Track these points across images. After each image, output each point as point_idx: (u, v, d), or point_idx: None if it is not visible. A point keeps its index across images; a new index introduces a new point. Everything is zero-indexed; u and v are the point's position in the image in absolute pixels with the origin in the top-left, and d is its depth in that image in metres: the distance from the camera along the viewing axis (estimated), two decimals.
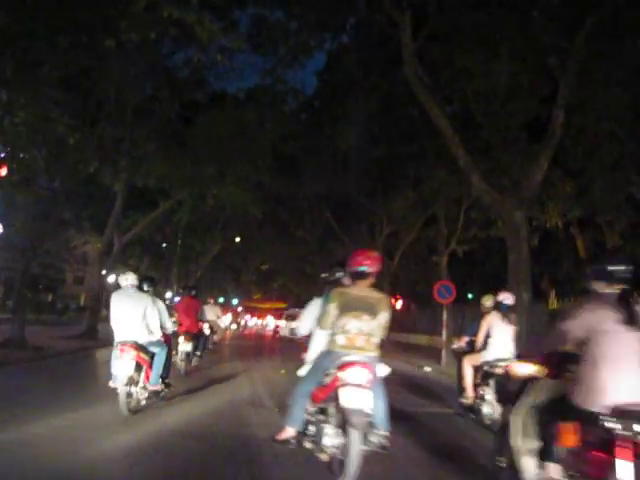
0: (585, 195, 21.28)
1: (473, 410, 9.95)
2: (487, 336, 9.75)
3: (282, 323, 46.96)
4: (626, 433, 4.05)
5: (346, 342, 6.17)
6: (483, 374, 9.76)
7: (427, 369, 21.63)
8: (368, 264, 6.41)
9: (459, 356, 10.59)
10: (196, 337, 14.37)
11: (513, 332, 9.67)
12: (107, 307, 10.22)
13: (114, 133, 22.66)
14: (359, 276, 6.41)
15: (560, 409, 4.69)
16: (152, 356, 9.27)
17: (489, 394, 9.54)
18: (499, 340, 9.59)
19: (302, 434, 6.41)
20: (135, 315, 9.10)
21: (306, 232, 39.76)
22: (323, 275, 7.69)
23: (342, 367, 6.06)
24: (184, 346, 13.77)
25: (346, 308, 6.18)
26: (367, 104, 23.33)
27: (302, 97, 28.88)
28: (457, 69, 18.90)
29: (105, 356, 13.82)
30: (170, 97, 21.81)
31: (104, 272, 26.11)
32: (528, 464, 4.89)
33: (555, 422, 4.70)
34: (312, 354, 6.82)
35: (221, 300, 68.25)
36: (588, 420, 4.31)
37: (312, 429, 6.41)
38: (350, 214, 35.75)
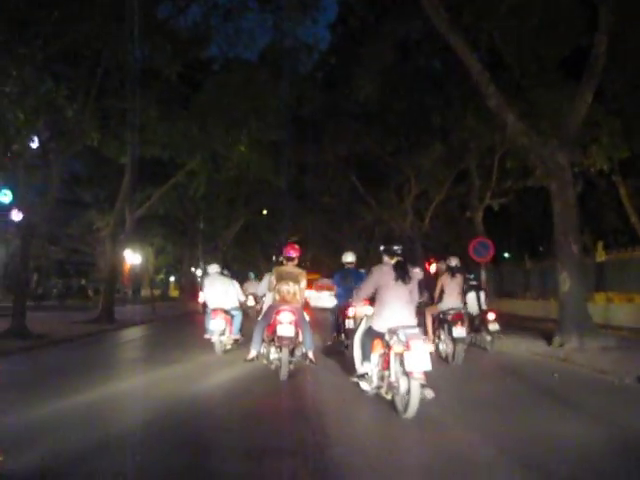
0: (633, 135, 19.08)
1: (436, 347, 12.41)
2: (441, 291, 12.54)
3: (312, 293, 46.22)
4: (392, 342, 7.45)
5: (279, 298, 10.31)
6: (439, 320, 12.67)
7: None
8: (293, 252, 10.59)
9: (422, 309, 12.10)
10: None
11: (460, 287, 12.68)
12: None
13: (115, 103, 21.10)
14: (288, 259, 10.57)
15: (369, 332, 8.08)
16: (232, 317, 13.81)
17: (443, 335, 12.44)
18: (450, 294, 12.44)
19: (260, 354, 10.37)
20: (222, 291, 13.77)
21: (332, 198, 37.79)
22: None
23: (277, 312, 10.11)
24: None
25: (280, 278, 10.31)
26: (384, 53, 21.20)
27: (316, 53, 26.84)
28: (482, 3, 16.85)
29: (119, 338, 18.81)
30: (172, 57, 19.92)
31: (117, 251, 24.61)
32: (358, 364, 8.34)
33: (369, 340, 8.05)
34: (265, 307, 11.46)
35: (252, 275, 67.13)
36: (381, 337, 7.81)
37: (264, 350, 10.40)
38: (376, 176, 33.79)
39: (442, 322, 12.42)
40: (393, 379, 7.40)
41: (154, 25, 19.74)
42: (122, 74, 20.41)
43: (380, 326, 7.81)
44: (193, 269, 46.78)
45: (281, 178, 35.92)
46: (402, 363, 7.17)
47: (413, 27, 20.65)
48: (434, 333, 12.81)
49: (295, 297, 10.24)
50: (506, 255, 46.41)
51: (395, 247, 8.14)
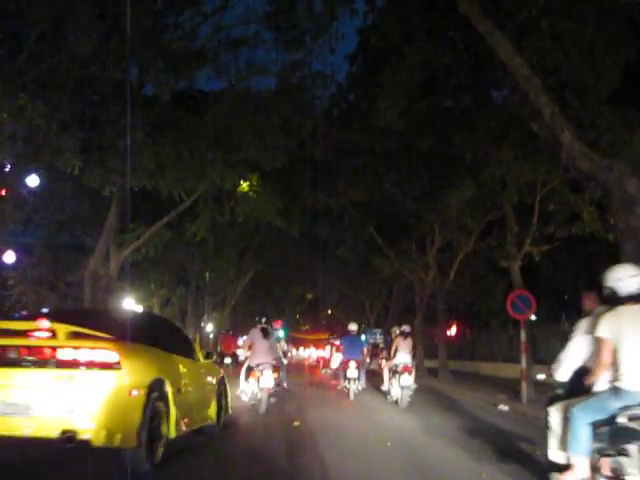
0: None
1: (389, 392, 17.02)
2: (395, 350, 16.59)
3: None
4: None
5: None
6: (393, 371, 16.56)
7: (503, 407, 16.07)
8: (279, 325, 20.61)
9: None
10: None
11: (410, 347, 16.70)
12: None
13: (100, 125, 18.20)
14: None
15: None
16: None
17: (396, 382, 16.03)
18: (402, 352, 16.42)
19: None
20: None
21: (348, 250, 34.39)
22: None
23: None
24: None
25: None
26: (409, 75, 18.06)
27: (333, 84, 23.86)
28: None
29: None
30: (165, 73, 17.01)
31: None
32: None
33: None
34: None
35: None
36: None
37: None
38: (396, 225, 30.50)
39: (394, 373, 16.34)
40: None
41: (147, 38, 16.86)
42: (108, 92, 17.54)
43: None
44: (203, 323, 43.24)
45: (293, 226, 32.84)
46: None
47: (444, 43, 17.56)
48: (389, 381, 17.26)
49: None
50: (533, 317, 42.54)
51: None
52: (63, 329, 6.49)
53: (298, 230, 33.02)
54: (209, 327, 43.16)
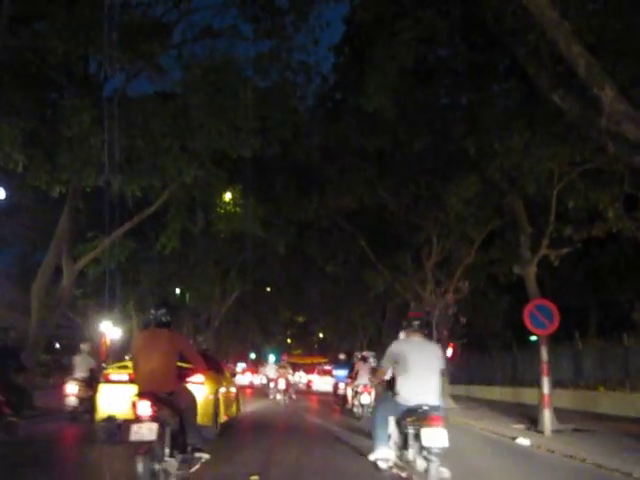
0: None
1: (351, 411, 19.36)
2: (356, 373, 19.25)
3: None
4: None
5: None
6: (354, 392, 19.15)
7: (524, 441, 13.11)
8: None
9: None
10: None
11: (368, 369, 18.60)
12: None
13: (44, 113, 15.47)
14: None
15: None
16: None
17: (357, 401, 18.69)
18: (362, 375, 18.68)
19: None
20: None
21: (338, 266, 31.45)
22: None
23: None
24: None
25: None
26: (400, 51, 15.32)
27: (317, 77, 21.16)
28: None
29: None
30: (119, 53, 14.26)
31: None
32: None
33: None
34: None
35: (252, 356, 60.35)
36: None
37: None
38: (389, 238, 27.67)
39: (356, 393, 18.84)
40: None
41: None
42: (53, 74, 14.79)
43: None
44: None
45: (279, 240, 30.04)
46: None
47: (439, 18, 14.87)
48: (352, 401, 19.56)
49: None
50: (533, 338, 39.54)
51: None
52: None
53: (283, 245, 30.25)
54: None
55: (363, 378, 18.47)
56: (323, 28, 20.70)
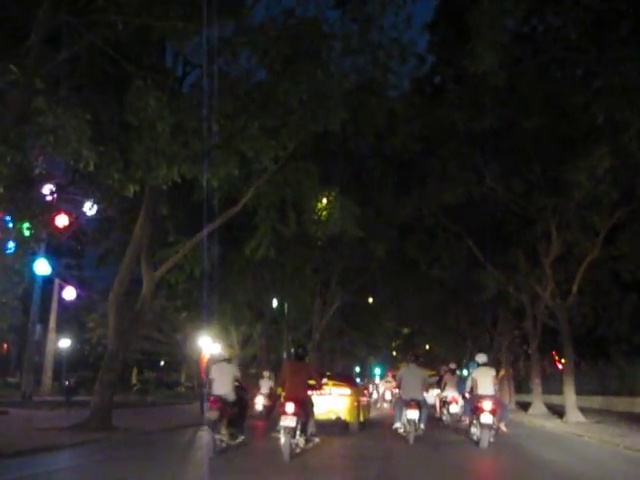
0: None
1: (440, 419, 20.57)
2: (445, 384, 20.55)
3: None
4: None
5: None
6: (442, 402, 20.54)
7: None
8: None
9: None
10: None
11: (455, 382, 20.35)
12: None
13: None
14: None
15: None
16: None
17: (446, 410, 20.08)
18: (450, 387, 20.16)
19: None
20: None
21: (443, 270, 28.73)
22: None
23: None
24: None
25: None
26: (512, 4, 12.88)
27: (413, 57, 18.81)
28: None
29: None
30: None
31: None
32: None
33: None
34: None
35: (357, 370, 58.05)
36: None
37: None
38: (500, 235, 24.89)
39: (444, 403, 20.29)
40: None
41: None
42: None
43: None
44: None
45: (379, 245, 27.74)
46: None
47: None
48: (440, 410, 20.84)
49: None
50: None
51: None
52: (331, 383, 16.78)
53: (384, 249, 27.95)
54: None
55: (451, 390, 19.92)
56: (415, 3, 18.49)
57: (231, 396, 11.67)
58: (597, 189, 15.50)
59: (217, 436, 11.16)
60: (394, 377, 30.85)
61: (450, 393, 19.61)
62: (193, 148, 12.89)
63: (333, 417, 16.34)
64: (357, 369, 57.92)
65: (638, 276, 24.28)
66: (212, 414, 11.16)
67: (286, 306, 31.98)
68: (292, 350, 30.76)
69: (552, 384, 33.00)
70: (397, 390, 16.17)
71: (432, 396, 22.32)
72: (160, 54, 17.07)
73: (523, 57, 16.44)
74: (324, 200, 22.90)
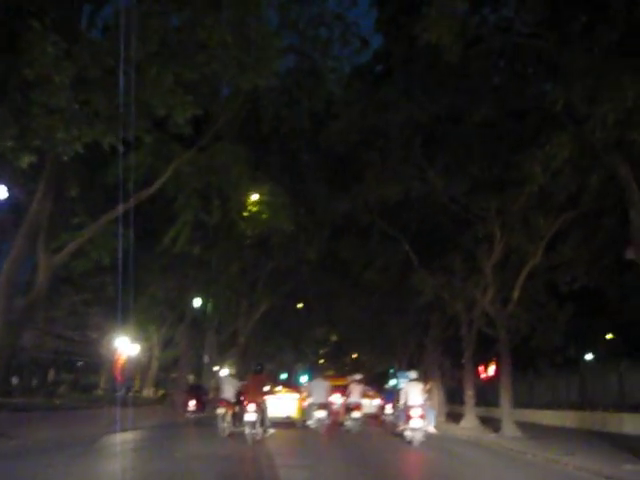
0: None
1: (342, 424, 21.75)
2: (350, 392, 21.26)
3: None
4: None
5: None
6: (347, 408, 21.42)
7: None
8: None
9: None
10: None
11: (360, 390, 21.27)
12: None
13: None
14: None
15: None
16: None
17: (348, 415, 21.10)
18: (353, 395, 21.03)
19: None
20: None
21: (377, 274, 27.02)
22: None
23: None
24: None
25: None
26: None
27: (356, 39, 17.10)
28: None
29: None
30: None
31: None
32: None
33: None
34: None
35: (283, 376, 55.89)
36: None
37: None
38: (437, 238, 23.42)
39: (347, 409, 21.17)
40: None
41: None
42: None
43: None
44: (217, 368, 35.52)
45: (310, 247, 26.00)
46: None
47: None
48: (345, 415, 21.60)
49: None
50: (588, 357, 34.50)
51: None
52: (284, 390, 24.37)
53: (316, 250, 26.17)
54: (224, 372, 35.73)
55: (355, 397, 21.06)
56: None
57: (232, 399, 16.99)
58: (551, 184, 13.91)
59: (224, 424, 16.64)
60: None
61: (354, 400, 20.93)
62: (96, 105, 10.64)
63: (284, 415, 21.26)
64: (283, 375, 55.79)
65: (575, 287, 23.22)
66: (221, 410, 16.87)
67: (209, 307, 29.62)
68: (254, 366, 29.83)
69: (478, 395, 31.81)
70: (309, 397, 20.54)
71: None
72: None
73: (479, 36, 14.86)
74: (255, 196, 21.10)
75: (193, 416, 25.51)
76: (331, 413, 21.42)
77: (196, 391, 28.08)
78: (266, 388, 17.03)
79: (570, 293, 24.31)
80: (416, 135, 18.29)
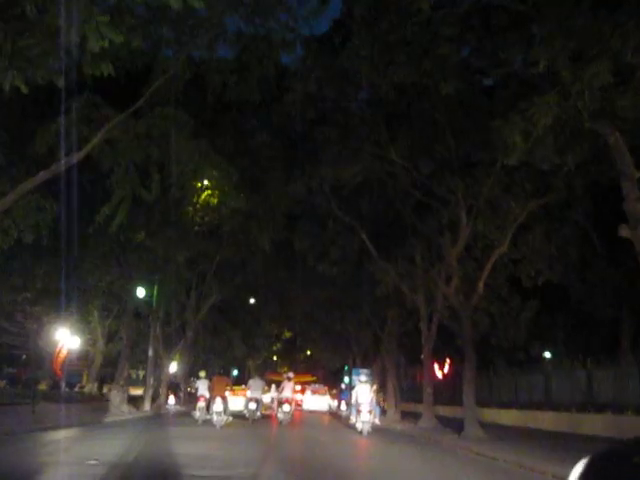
0: None
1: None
2: (282, 388, 23.47)
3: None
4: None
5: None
6: (279, 402, 24.00)
7: None
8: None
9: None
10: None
11: (291, 387, 23.76)
12: None
13: None
14: None
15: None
16: None
17: (281, 409, 23.20)
18: (286, 390, 23.21)
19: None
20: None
21: (332, 265, 25.24)
22: None
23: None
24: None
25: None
26: None
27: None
28: None
29: None
30: None
31: None
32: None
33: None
34: None
35: (235, 373, 53.78)
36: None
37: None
38: (396, 227, 21.80)
39: (279, 403, 23.25)
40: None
41: None
42: None
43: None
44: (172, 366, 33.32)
45: (262, 234, 24.13)
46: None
47: None
48: (277, 408, 23.76)
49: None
50: (547, 354, 33.35)
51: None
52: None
53: (268, 239, 24.26)
54: (172, 367, 33.54)
55: (287, 392, 23.20)
56: None
57: (207, 394, 20.19)
58: (537, 153, 12.25)
59: (207, 416, 19.70)
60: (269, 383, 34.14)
61: (285, 395, 23.02)
62: None
63: (240, 409, 23.10)
64: (235, 372, 53.66)
65: (539, 282, 21.87)
66: (201, 403, 20.14)
67: (154, 298, 27.40)
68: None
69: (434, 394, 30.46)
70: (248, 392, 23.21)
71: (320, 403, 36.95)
72: None
73: None
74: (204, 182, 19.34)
75: (173, 409, 28.58)
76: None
77: (174, 388, 32.39)
78: (227, 387, 20.84)
79: (534, 288, 23.03)
80: (378, 110, 16.56)
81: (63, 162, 12.40)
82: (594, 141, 11.69)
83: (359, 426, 18.57)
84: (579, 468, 3.10)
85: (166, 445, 12.74)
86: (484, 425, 19.11)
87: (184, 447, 12.32)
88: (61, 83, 9.50)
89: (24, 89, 8.61)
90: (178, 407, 29.65)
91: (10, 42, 8.16)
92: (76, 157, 12.52)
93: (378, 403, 24.67)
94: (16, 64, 8.23)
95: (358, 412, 18.91)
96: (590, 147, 12.26)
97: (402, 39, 13.78)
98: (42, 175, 12.17)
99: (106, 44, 7.91)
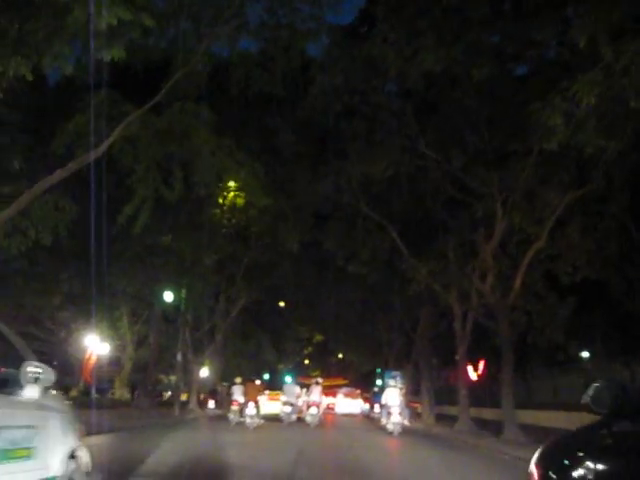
0: None
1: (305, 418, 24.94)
2: (310, 392, 25.33)
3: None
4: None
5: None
6: (307, 405, 25.34)
7: None
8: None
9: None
10: None
11: (319, 391, 24.93)
12: None
13: None
14: None
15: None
16: None
17: (308, 411, 24.41)
18: (314, 393, 24.82)
19: None
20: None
21: (362, 265, 24.52)
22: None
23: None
24: None
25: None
26: None
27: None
28: None
29: None
30: None
31: None
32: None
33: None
34: None
35: (266, 377, 53.21)
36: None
37: None
38: (428, 224, 21.03)
39: (307, 406, 24.50)
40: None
41: None
42: None
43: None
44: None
45: (291, 235, 23.57)
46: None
47: None
48: (307, 410, 24.66)
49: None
50: (584, 354, 32.17)
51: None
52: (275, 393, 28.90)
53: (296, 239, 23.71)
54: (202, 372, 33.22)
55: (314, 395, 24.49)
56: None
57: (241, 399, 22.13)
58: (572, 138, 11.43)
59: (241, 419, 21.54)
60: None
61: (312, 399, 24.19)
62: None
63: (275, 413, 24.73)
64: (266, 376, 53.07)
65: (576, 278, 20.86)
66: (235, 407, 22.30)
67: (183, 302, 26.97)
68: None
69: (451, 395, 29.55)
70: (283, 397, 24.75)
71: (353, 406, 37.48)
72: None
73: None
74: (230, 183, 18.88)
75: (212, 412, 30.80)
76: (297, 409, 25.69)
77: (213, 394, 35.03)
78: (260, 392, 22.84)
79: (571, 285, 22.01)
80: (407, 101, 15.87)
81: (80, 160, 11.95)
82: (639, 123, 10.88)
83: (390, 427, 19.47)
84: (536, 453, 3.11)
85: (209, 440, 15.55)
86: (523, 427, 18.24)
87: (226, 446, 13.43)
88: (69, 70, 9.05)
89: (29, 76, 8.16)
90: (216, 411, 31.43)
91: (16, 27, 7.69)
92: (94, 154, 12.04)
93: (407, 405, 24.81)
94: (21, 50, 7.76)
95: (388, 414, 19.93)
96: (634, 131, 11.48)
97: (430, 24, 13.11)
98: (59, 173, 11.71)
99: (114, 21, 7.40)
